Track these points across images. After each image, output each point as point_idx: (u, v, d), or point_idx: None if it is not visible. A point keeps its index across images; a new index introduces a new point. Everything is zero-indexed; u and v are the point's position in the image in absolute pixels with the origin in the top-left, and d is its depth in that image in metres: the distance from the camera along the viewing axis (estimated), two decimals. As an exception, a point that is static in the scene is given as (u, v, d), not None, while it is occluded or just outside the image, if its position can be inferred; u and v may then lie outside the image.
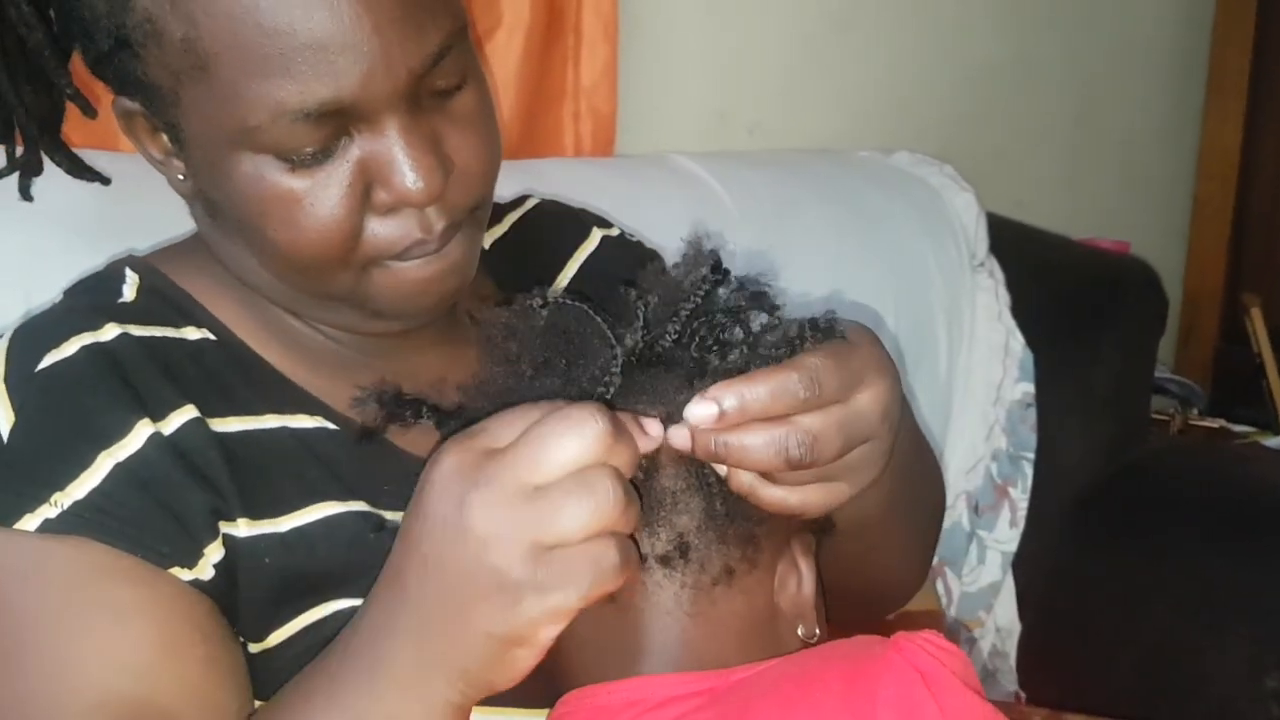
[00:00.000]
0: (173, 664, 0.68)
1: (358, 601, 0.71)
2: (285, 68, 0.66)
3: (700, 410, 0.61)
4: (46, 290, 0.84)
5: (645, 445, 0.62)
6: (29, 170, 0.83)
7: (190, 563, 0.70)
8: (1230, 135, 2.42)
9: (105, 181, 0.86)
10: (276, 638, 0.72)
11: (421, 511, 0.59)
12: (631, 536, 0.60)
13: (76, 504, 0.68)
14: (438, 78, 0.70)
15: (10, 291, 0.99)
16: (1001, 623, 1.60)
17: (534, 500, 0.56)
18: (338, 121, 0.68)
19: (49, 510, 0.68)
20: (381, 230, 0.72)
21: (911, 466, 0.81)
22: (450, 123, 0.72)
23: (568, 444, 0.57)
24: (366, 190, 0.71)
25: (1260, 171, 2.43)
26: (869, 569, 0.85)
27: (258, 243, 0.73)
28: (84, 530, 0.68)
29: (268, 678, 0.72)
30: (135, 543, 0.69)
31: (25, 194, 0.83)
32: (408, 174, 0.69)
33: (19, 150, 0.83)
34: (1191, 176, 2.47)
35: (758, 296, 0.68)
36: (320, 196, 0.70)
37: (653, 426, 0.63)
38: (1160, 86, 2.38)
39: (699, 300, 0.67)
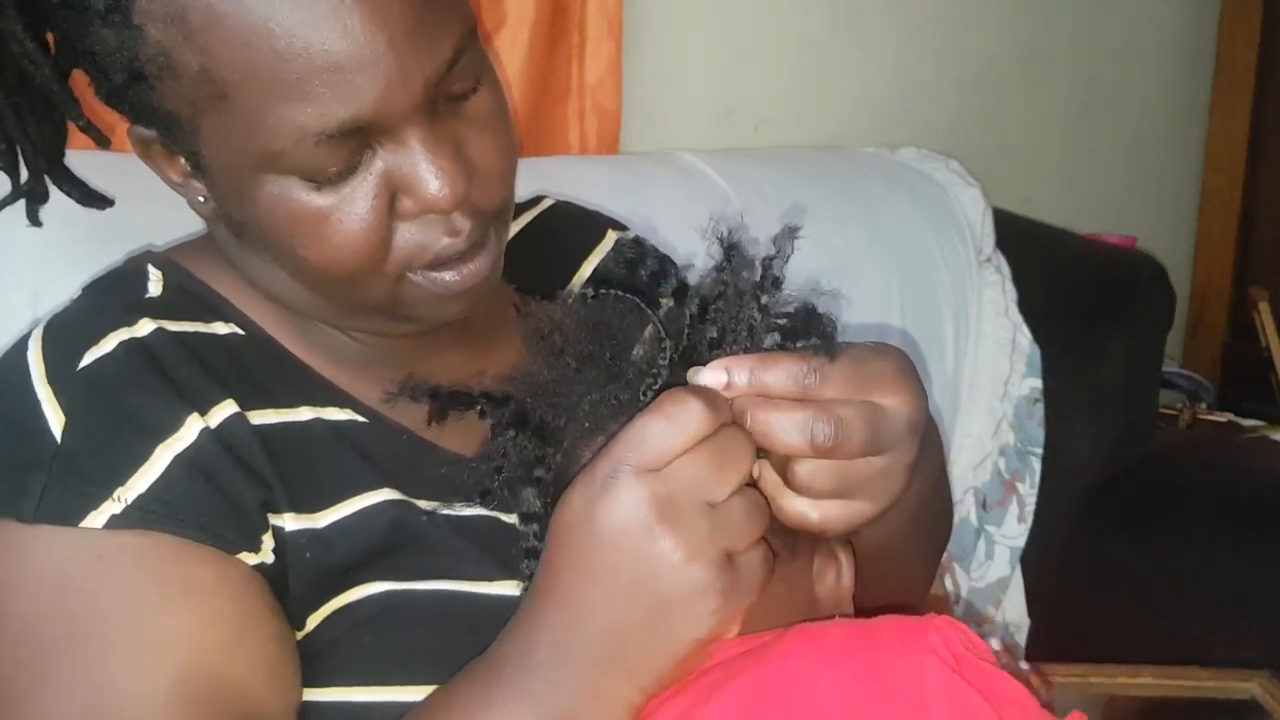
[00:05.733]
0: (250, 641, 0.69)
1: (390, 585, 0.72)
2: (304, 91, 0.66)
3: (709, 377, 0.63)
4: (55, 290, 0.84)
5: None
6: (35, 198, 0.83)
7: (254, 548, 0.71)
8: (1237, 129, 2.41)
9: (110, 204, 0.86)
10: (312, 621, 0.73)
11: (601, 541, 0.62)
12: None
13: (140, 498, 0.68)
14: (453, 83, 0.71)
15: (19, 291, 1.00)
16: (1010, 618, 1.60)
17: (712, 515, 0.61)
18: (360, 138, 0.68)
19: (114, 506, 0.68)
20: (411, 237, 0.72)
21: (933, 494, 0.82)
22: (468, 126, 0.72)
23: (733, 470, 0.62)
24: (392, 200, 0.71)
25: (1267, 165, 2.42)
26: (883, 589, 0.86)
27: (289, 261, 0.74)
28: (150, 523, 0.68)
29: (304, 663, 0.72)
30: (202, 530, 0.69)
31: (34, 220, 0.83)
32: (432, 181, 0.69)
33: (23, 178, 0.82)
34: (1199, 170, 2.46)
35: (809, 314, 0.68)
36: (348, 212, 0.70)
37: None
38: (1167, 81, 2.38)
39: (748, 304, 0.67)
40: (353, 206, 0.70)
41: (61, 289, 0.82)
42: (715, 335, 0.67)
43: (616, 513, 0.61)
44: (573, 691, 0.62)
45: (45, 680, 0.66)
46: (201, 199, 0.76)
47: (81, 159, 0.89)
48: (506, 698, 0.63)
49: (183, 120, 0.70)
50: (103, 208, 0.85)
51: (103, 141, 0.81)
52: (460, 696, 0.65)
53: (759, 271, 0.67)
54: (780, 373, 0.63)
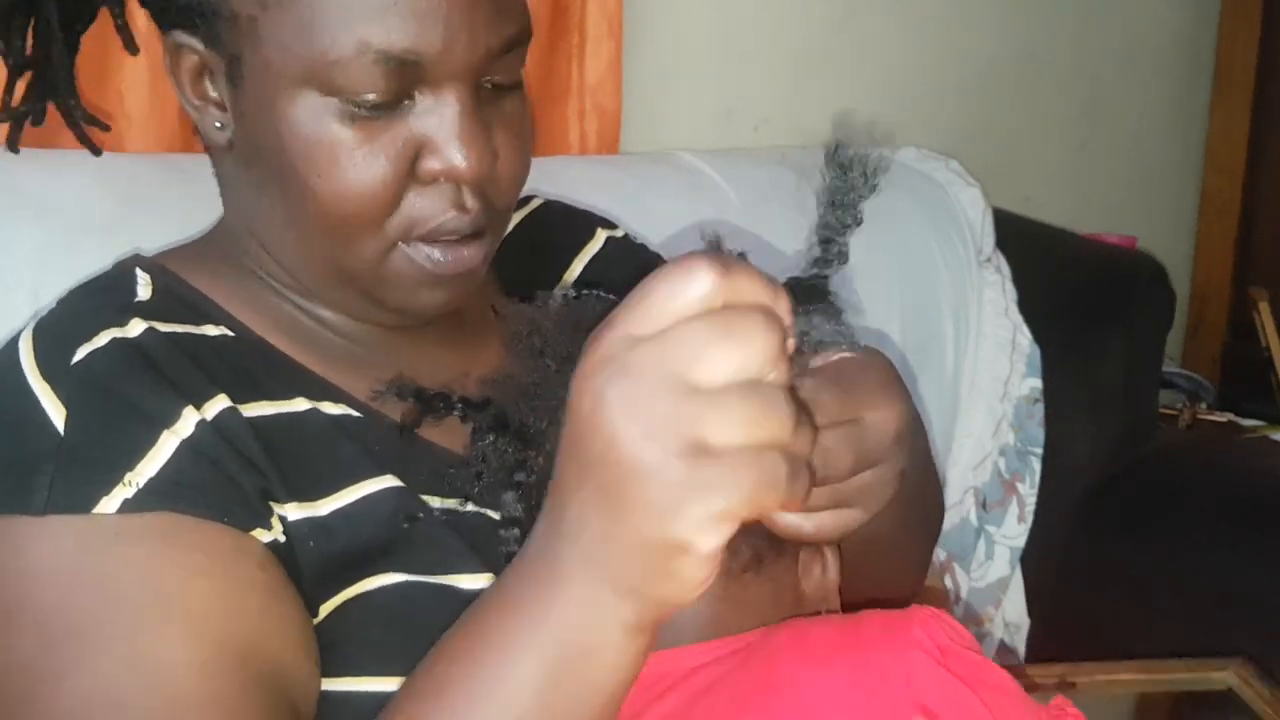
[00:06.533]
0: (278, 608, 0.68)
1: (402, 576, 0.72)
2: (379, 10, 0.69)
3: None
4: (55, 290, 0.84)
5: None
6: (35, 119, 0.83)
7: (266, 525, 0.70)
8: (1237, 129, 2.41)
9: (97, 152, 0.87)
10: (324, 610, 0.72)
11: (571, 413, 0.53)
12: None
13: (151, 481, 0.68)
14: (501, 70, 0.74)
15: (19, 291, 1.00)
16: (1010, 618, 1.60)
17: (693, 396, 0.50)
18: (410, 77, 0.71)
19: (125, 491, 0.67)
20: (418, 202, 0.74)
21: (921, 488, 0.82)
22: (500, 121, 0.75)
23: (734, 349, 0.50)
24: (414, 159, 0.73)
25: (1267, 165, 2.42)
26: (875, 582, 0.86)
27: (295, 193, 0.74)
28: (165, 504, 0.68)
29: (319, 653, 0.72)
30: (216, 510, 0.69)
31: (13, 147, 0.84)
32: (461, 146, 0.72)
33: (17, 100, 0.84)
34: (1199, 170, 2.46)
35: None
36: (370, 152, 0.72)
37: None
38: (1167, 81, 2.38)
39: None
40: (377, 148, 0.72)
41: (61, 289, 0.82)
42: None
43: (586, 384, 0.52)
44: (562, 614, 0.55)
45: (80, 662, 0.64)
46: (218, 125, 0.76)
47: (83, 159, 0.90)
48: (516, 624, 0.57)
49: (242, 18, 0.71)
50: (91, 148, 0.86)
51: (131, 47, 0.84)
52: (467, 625, 0.60)
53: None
54: None
